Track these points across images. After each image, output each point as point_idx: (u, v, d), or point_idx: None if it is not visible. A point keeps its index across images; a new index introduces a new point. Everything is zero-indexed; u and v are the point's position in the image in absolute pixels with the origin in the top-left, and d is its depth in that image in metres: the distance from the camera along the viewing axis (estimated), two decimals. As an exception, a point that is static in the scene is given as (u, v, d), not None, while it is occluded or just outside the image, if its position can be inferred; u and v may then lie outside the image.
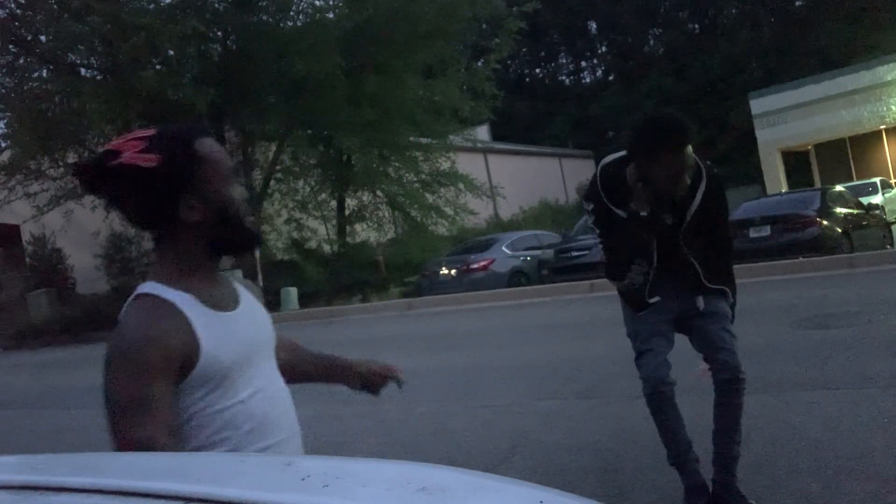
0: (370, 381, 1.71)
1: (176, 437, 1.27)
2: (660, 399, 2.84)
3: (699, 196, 2.81)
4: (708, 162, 2.92)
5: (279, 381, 1.48)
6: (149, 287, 1.34)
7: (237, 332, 1.38)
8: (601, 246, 3.09)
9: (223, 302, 1.40)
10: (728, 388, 2.80)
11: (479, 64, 19.74)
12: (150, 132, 1.34)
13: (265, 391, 1.40)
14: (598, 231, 3.05)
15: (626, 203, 2.82)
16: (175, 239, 1.36)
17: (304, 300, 15.13)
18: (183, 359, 1.28)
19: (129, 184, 1.30)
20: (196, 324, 1.31)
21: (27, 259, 21.81)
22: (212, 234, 1.36)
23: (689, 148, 2.70)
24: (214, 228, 1.36)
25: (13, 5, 15.57)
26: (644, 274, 2.90)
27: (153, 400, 1.24)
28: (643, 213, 2.78)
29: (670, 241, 2.86)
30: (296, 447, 1.45)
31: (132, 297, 1.35)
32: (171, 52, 15.61)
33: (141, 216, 1.38)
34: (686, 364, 3.15)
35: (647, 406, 2.91)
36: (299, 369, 1.67)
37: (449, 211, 18.91)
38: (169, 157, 1.29)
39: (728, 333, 2.86)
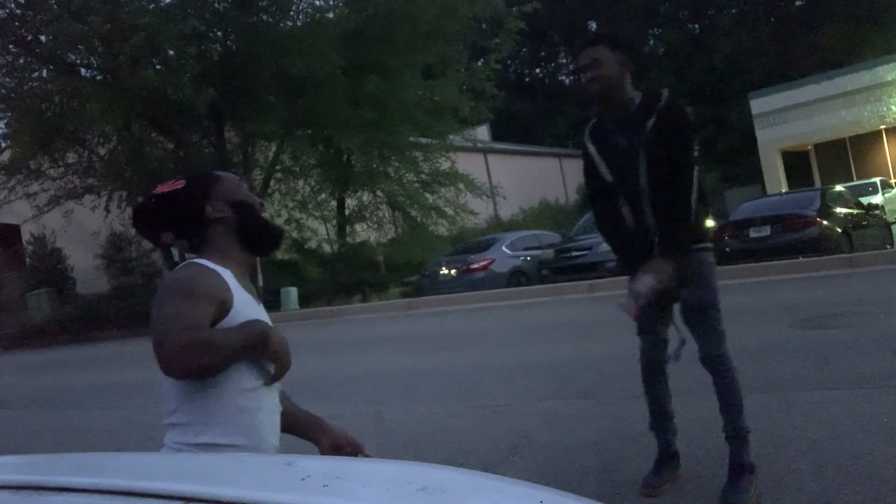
0: (338, 450, 1.83)
1: None
2: None
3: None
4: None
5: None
6: (197, 260, 1.71)
7: (257, 315, 1.70)
8: None
9: (249, 294, 1.76)
10: None
11: (479, 64, 19.71)
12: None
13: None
14: None
15: None
16: (211, 234, 1.74)
17: (304, 300, 15.12)
18: (220, 304, 1.61)
19: (168, 205, 1.73)
20: (232, 286, 1.67)
21: (27, 259, 21.81)
22: (236, 227, 1.74)
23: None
24: (238, 222, 1.74)
25: (13, 5, 15.55)
26: None
27: (200, 317, 1.56)
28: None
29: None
30: (275, 420, 1.73)
31: (182, 264, 1.70)
32: (171, 52, 15.60)
33: (183, 223, 1.75)
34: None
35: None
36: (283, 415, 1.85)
37: (449, 211, 18.89)
38: (192, 180, 1.76)
39: None
